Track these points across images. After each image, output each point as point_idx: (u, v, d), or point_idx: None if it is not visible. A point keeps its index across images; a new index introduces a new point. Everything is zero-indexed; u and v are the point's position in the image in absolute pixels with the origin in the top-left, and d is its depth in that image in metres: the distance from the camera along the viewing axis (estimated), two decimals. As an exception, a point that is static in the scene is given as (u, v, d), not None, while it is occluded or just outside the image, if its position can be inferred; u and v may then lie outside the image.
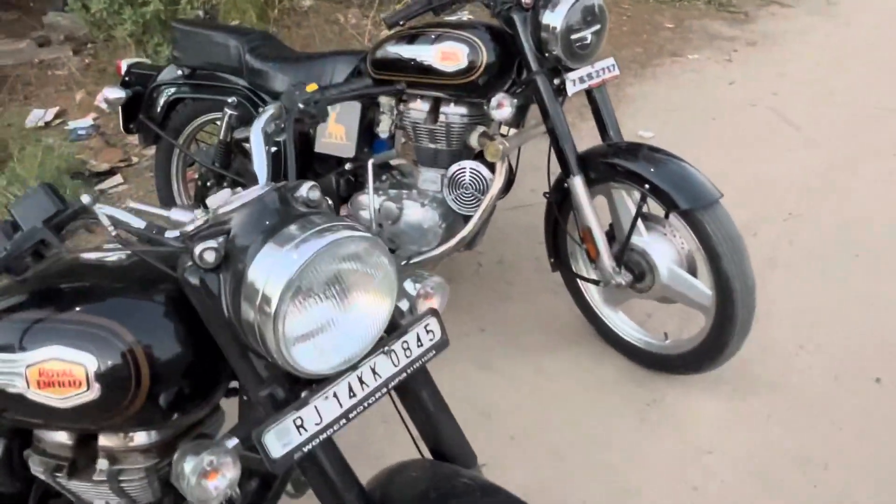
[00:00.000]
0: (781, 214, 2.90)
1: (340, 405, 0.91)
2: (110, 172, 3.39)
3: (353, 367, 0.92)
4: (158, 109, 2.40)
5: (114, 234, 0.91)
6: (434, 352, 1.00)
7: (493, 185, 2.02)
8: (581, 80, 1.93)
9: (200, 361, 0.95)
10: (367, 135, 2.16)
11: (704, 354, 1.91)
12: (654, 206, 1.93)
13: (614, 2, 5.70)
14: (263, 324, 0.81)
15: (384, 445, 1.71)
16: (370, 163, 1.91)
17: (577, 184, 1.92)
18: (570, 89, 1.92)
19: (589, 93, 2.02)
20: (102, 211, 0.92)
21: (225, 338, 0.89)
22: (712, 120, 3.76)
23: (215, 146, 2.26)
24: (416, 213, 2.10)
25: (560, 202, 2.07)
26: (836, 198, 3.02)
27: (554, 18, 1.83)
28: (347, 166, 2.16)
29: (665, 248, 1.94)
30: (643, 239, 1.95)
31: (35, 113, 4.29)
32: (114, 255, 0.98)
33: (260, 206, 0.87)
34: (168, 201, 2.61)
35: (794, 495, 1.76)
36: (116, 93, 2.41)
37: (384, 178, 2.17)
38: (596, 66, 1.96)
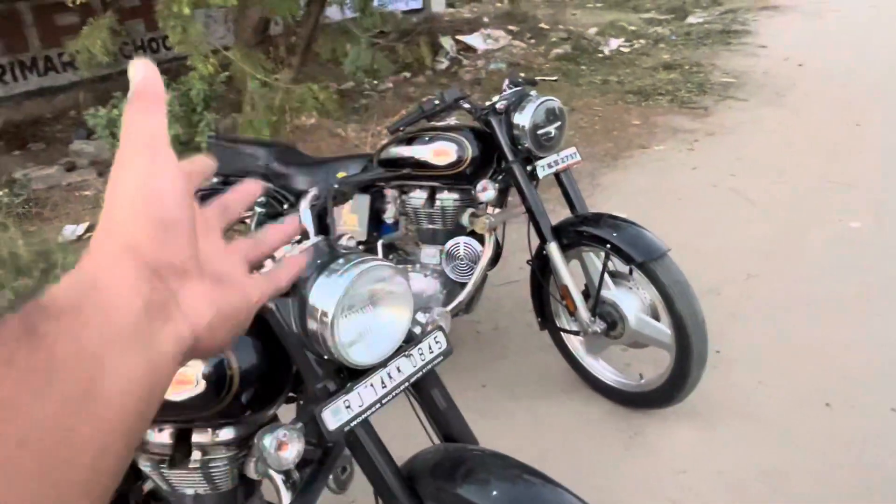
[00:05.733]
0: (742, 275, 3.29)
1: (375, 393, 1.25)
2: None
3: (384, 365, 1.26)
4: (196, 212, 2.82)
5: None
6: (441, 357, 1.35)
7: (483, 255, 2.41)
8: (549, 165, 2.36)
9: (270, 372, 1.30)
10: (375, 221, 2.57)
11: (672, 386, 2.23)
12: (619, 265, 2.31)
13: (587, 105, 6.34)
14: (323, 331, 1.17)
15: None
16: (379, 244, 2.35)
17: (553, 249, 2.31)
18: (541, 173, 2.35)
19: (557, 177, 2.44)
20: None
21: (293, 346, 1.24)
22: (678, 200, 4.22)
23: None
24: (420, 283, 2.47)
25: (542, 268, 2.45)
26: (790, 260, 3.42)
27: (523, 119, 2.28)
28: (360, 248, 2.55)
29: (631, 299, 2.30)
30: (613, 293, 2.31)
31: (67, 228, 4.76)
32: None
33: (315, 249, 1.25)
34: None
35: (759, 499, 2.04)
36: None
37: (391, 256, 2.56)
38: (561, 154, 2.40)
